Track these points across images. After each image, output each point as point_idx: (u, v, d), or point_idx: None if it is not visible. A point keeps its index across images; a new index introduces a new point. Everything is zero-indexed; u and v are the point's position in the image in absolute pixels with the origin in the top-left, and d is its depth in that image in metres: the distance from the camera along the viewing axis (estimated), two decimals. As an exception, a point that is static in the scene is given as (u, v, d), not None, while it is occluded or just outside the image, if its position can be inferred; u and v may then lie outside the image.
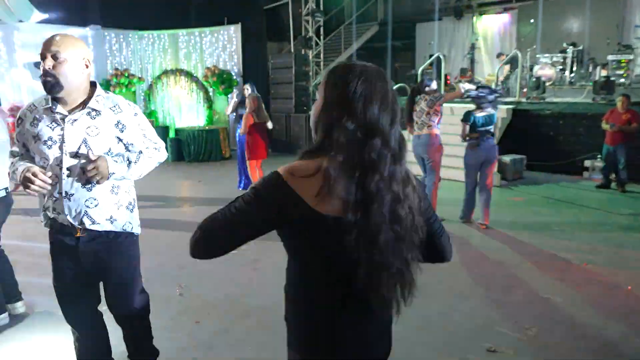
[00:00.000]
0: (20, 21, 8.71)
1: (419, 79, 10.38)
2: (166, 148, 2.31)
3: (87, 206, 2.02)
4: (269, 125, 6.88)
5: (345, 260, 1.15)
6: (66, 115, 1.98)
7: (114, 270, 2.16)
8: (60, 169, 1.98)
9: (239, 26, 11.25)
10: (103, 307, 2.34)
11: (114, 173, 1.96)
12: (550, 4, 11.95)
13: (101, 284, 2.27)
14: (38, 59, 1.97)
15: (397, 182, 1.16)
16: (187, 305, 3.55)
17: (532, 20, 12.95)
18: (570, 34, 12.58)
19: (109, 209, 2.06)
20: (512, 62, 10.57)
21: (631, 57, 10.28)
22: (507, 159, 7.93)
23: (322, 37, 13.30)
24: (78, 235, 2.05)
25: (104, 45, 11.23)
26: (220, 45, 11.44)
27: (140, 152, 2.08)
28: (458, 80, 12.02)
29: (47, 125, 1.99)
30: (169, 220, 5.77)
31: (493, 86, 9.77)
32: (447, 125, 7.30)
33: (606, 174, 7.27)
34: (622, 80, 10.01)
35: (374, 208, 1.12)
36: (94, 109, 2.01)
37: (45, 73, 1.91)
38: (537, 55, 11.63)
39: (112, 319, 2.41)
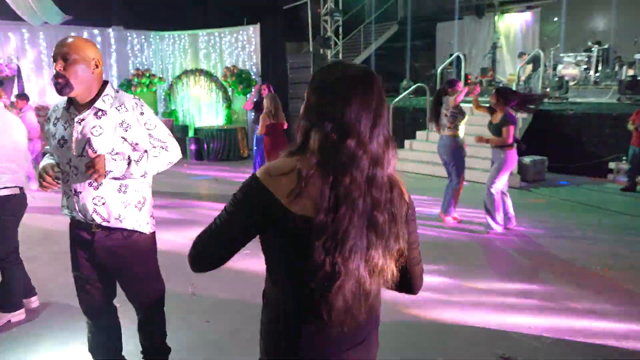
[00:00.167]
0: (45, 22, 8.91)
1: (437, 79, 10.29)
2: (185, 147, 2.33)
3: (95, 204, 2.06)
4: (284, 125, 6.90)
5: (311, 264, 1.12)
6: (77, 115, 2.05)
7: (127, 266, 2.21)
8: (70, 167, 2.05)
9: (257, 26, 11.30)
10: (117, 305, 2.39)
11: (111, 171, 1.98)
12: (575, 2, 11.68)
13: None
14: None
15: (377, 187, 1.13)
16: (199, 305, 3.57)
17: (555, 19, 12.68)
18: (595, 32, 12.26)
19: (116, 207, 2.09)
20: (535, 61, 10.35)
21: (660, 55, 9.96)
22: (527, 160, 7.76)
23: (340, 37, 13.24)
24: (93, 230, 2.11)
25: (127, 45, 11.46)
26: (240, 46, 11.51)
27: (145, 151, 2.10)
28: (478, 79, 11.84)
29: (62, 125, 2.08)
30: (184, 220, 5.83)
31: (514, 86, 9.62)
32: (467, 126, 7.17)
33: (632, 177, 7.07)
34: (650, 79, 9.70)
35: (341, 212, 1.09)
36: (100, 109, 2.05)
37: (56, 74, 1.97)
38: (561, 55, 11.37)
39: (124, 317, 2.44)
